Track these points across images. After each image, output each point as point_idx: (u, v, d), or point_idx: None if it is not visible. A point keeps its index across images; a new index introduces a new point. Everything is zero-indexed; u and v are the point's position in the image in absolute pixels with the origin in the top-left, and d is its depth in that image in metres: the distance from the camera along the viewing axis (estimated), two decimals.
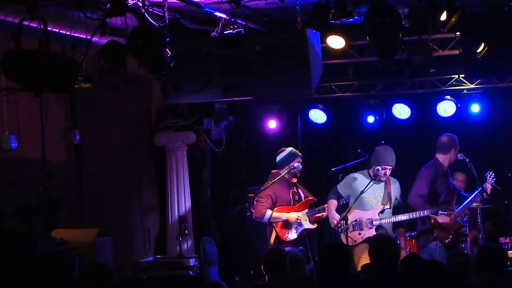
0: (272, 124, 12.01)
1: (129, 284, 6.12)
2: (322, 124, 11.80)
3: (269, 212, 9.57)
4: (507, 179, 11.04)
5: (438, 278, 5.21)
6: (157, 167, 11.42)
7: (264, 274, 6.61)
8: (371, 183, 9.38)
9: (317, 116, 11.78)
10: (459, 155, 9.68)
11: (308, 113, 11.80)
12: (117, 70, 7.51)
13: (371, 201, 9.56)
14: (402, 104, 11.33)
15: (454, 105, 11.03)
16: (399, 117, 11.39)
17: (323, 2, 7.91)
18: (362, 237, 9.48)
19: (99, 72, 8.35)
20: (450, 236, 9.50)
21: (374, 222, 9.48)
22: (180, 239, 10.45)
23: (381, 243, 6.53)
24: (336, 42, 9.58)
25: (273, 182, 9.60)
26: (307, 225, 9.74)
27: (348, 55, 10.85)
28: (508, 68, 8.89)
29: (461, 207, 9.60)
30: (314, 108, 11.73)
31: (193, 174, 11.40)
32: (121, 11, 7.14)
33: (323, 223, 10.23)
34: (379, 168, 9.45)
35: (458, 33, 9.38)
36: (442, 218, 9.48)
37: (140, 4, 7.98)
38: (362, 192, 9.34)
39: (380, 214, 9.52)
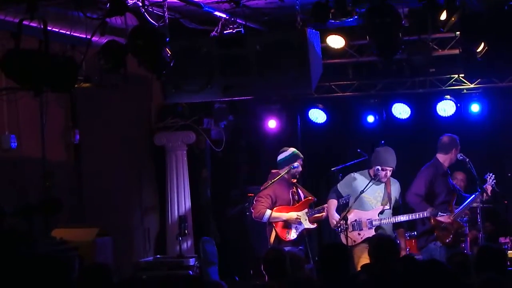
0: (272, 123, 12.01)
1: (129, 284, 6.13)
2: (322, 123, 11.80)
3: (268, 211, 9.58)
4: (507, 179, 11.04)
5: (438, 278, 5.21)
6: (157, 166, 11.42)
7: (264, 274, 6.61)
8: (371, 183, 9.38)
9: (317, 115, 11.78)
10: (459, 155, 9.67)
11: (308, 113, 11.80)
12: (117, 70, 7.51)
13: (371, 201, 9.56)
14: (402, 104, 11.33)
15: (454, 105, 11.03)
16: (399, 117, 11.39)
17: (323, 2, 7.91)
18: (361, 237, 9.48)
19: (99, 72, 8.35)
20: (451, 236, 9.49)
21: (374, 223, 9.48)
22: (180, 239, 10.45)
23: (381, 243, 6.53)
24: (336, 41, 9.57)
25: (273, 182, 9.60)
26: (306, 224, 9.74)
27: (348, 54, 10.85)
28: (508, 67, 8.88)
29: (460, 208, 9.61)
30: (314, 107, 11.73)
31: (193, 173, 11.40)
32: (121, 11, 7.14)
33: (323, 223, 10.23)
34: (379, 168, 9.45)
35: (458, 32, 9.37)
36: (442, 218, 9.47)
37: (140, 4, 7.98)
38: (362, 192, 9.34)
39: (379, 215, 9.51)
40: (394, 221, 9.51)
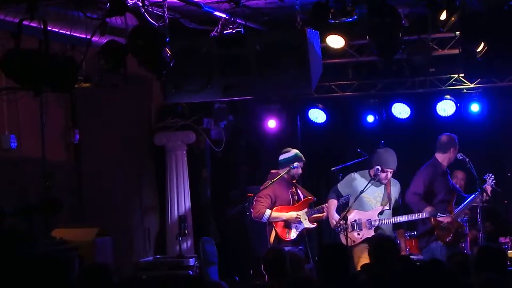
0: (272, 123, 12.01)
1: (129, 284, 6.13)
2: (322, 123, 11.80)
3: (268, 211, 9.58)
4: (506, 179, 11.04)
5: (438, 278, 5.22)
6: (157, 166, 11.42)
7: (264, 274, 6.61)
8: (371, 183, 9.38)
9: (317, 115, 11.77)
10: (458, 155, 9.67)
11: (308, 113, 11.80)
12: (117, 70, 7.51)
13: (371, 201, 9.56)
14: (402, 104, 11.33)
15: (454, 105, 11.02)
16: (399, 117, 11.38)
17: (323, 2, 7.91)
18: (361, 238, 9.48)
19: (99, 72, 8.35)
20: (451, 235, 9.50)
21: (373, 223, 9.48)
22: (180, 238, 10.45)
23: (381, 243, 6.53)
24: (335, 41, 9.57)
25: (273, 182, 9.60)
26: (306, 224, 9.75)
27: (348, 54, 10.85)
28: (508, 67, 8.88)
29: (460, 208, 9.61)
30: (314, 107, 11.72)
31: (193, 173, 11.40)
32: (121, 11, 7.14)
33: (323, 223, 10.23)
34: (379, 168, 9.44)
35: (458, 32, 9.37)
36: (441, 218, 9.47)
37: (140, 4, 7.98)
38: (362, 192, 9.34)
39: (379, 215, 9.51)
40: (393, 222, 9.51)
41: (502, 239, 9.99)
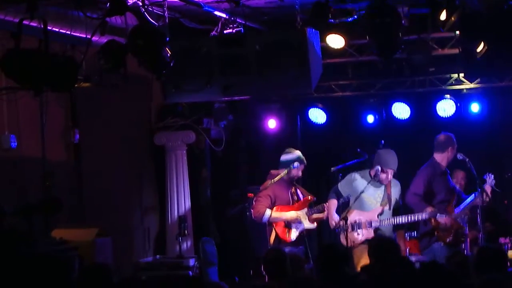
0: (272, 123, 12.00)
1: (128, 284, 6.11)
2: (322, 123, 11.79)
3: (268, 211, 9.58)
4: (506, 179, 11.02)
5: (438, 278, 5.21)
6: (157, 166, 11.42)
7: (264, 274, 6.61)
8: (370, 183, 9.38)
9: (317, 115, 11.76)
10: (458, 155, 9.66)
11: (307, 112, 11.78)
12: (117, 70, 7.52)
13: (371, 201, 9.56)
14: (402, 103, 11.31)
15: (454, 104, 11.01)
16: (398, 117, 11.37)
17: (322, 1, 7.91)
18: (361, 238, 9.47)
19: (99, 72, 8.36)
20: (451, 235, 9.50)
21: (373, 224, 9.47)
22: (180, 239, 10.44)
23: (381, 244, 6.53)
24: (335, 41, 9.57)
25: (273, 182, 9.60)
26: (306, 224, 9.75)
27: (348, 54, 10.83)
28: (508, 67, 8.88)
29: (460, 208, 9.61)
30: (314, 107, 11.71)
31: (192, 173, 11.40)
32: (121, 10, 7.14)
33: (323, 223, 10.22)
34: (379, 168, 9.44)
35: (457, 32, 9.37)
36: (441, 219, 9.47)
37: (140, 3, 7.98)
38: (362, 192, 9.33)
39: (379, 216, 9.51)
40: (393, 222, 9.51)
41: (502, 240, 9.96)
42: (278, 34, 8.52)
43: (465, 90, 11.01)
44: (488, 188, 9.67)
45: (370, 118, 11.54)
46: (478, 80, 10.70)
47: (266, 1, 8.88)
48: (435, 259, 8.73)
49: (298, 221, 9.68)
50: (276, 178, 9.61)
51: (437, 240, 9.56)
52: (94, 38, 7.46)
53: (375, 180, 9.46)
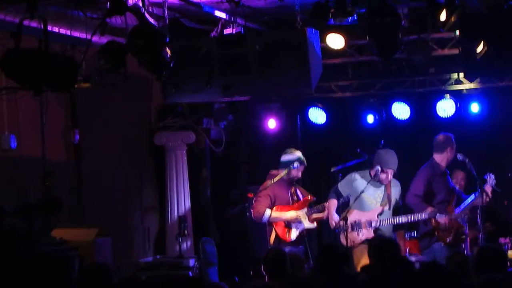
0: (272, 123, 11.99)
1: (128, 284, 6.11)
2: (321, 123, 11.78)
3: (268, 211, 9.59)
4: (507, 179, 11.02)
5: (437, 278, 5.21)
6: (157, 166, 11.42)
7: (264, 274, 6.61)
8: (370, 183, 9.38)
9: (317, 115, 11.74)
10: (458, 155, 9.66)
11: (307, 113, 11.77)
12: (117, 70, 7.53)
13: (371, 201, 9.56)
14: (402, 104, 11.30)
15: (454, 105, 11.00)
16: (398, 117, 11.35)
17: (322, 2, 7.91)
18: (361, 238, 9.48)
19: (99, 72, 8.37)
20: (451, 235, 9.50)
21: (373, 224, 9.47)
22: (180, 239, 10.44)
23: (381, 244, 6.53)
24: (335, 41, 9.57)
25: (273, 182, 9.60)
26: (306, 223, 9.75)
27: (348, 54, 10.83)
28: (508, 67, 8.90)
29: (460, 209, 9.60)
30: (314, 107, 11.70)
31: (192, 173, 11.40)
32: (121, 11, 7.15)
33: (323, 223, 10.23)
34: (379, 168, 9.44)
35: (457, 32, 9.37)
36: (441, 219, 9.47)
37: (140, 4, 7.98)
38: (362, 192, 9.33)
39: (379, 216, 9.51)
40: (393, 223, 9.51)
41: (502, 240, 9.95)
42: (278, 34, 8.52)
43: (465, 90, 11.00)
44: (488, 188, 9.66)
45: (370, 118, 11.53)
46: (478, 80, 10.69)
47: (266, 1, 8.88)
48: (435, 259, 8.75)
49: (298, 221, 9.68)
50: (276, 178, 9.61)
51: (437, 240, 9.56)
52: (94, 38, 7.46)
53: (375, 180, 9.47)
